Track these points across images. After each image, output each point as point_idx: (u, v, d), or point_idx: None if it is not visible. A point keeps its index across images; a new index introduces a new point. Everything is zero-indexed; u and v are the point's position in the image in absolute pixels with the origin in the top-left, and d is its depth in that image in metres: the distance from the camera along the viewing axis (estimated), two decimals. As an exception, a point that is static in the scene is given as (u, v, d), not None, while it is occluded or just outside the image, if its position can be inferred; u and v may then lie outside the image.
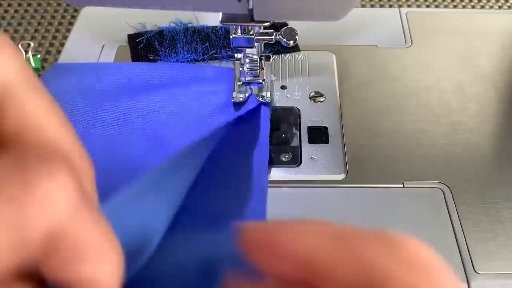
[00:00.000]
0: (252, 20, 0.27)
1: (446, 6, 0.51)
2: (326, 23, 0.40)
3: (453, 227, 0.28)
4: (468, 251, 0.27)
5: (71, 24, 0.49)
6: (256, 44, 0.32)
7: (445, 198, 0.30)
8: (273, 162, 0.31)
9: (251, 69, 0.34)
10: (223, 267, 0.17)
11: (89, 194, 0.15)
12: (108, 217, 0.15)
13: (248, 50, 0.34)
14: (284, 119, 0.34)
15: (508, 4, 0.52)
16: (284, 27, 0.32)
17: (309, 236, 0.15)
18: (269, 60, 0.36)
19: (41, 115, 0.15)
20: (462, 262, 0.27)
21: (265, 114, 0.33)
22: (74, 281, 0.13)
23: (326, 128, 0.33)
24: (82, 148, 0.16)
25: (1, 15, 0.50)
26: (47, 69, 0.37)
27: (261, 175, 0.29)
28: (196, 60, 0.37)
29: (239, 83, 0.35)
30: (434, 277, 0.14)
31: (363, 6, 0.51)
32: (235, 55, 0.37)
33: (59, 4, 0.51)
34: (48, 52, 0.47)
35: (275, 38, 0.31)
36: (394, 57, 0.38)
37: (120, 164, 0.30)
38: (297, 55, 0.38)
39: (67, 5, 0.51)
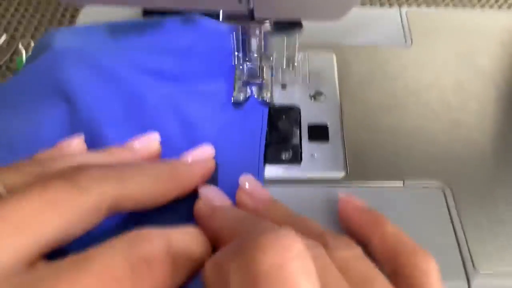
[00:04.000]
0: (253, 19, 0.28)
1: (446, 5, 0.51)
2: (326, 23, 0.40)
3: (453, 226, 0.28)
4: (469, 250, 0.27)
5: (71, 23, 0.49)
6: (255, 44, 0.32)
7: (445, 196, 0.30)
8: (273, 160, 0.31)
9: (251, 69, 0.34)
10: None
11: None
12: None
13: (248, 50, 0.34)
14: (285, 117, 0.34)
15: (508, 3, 0.52)
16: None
17: None
18: (269, 60, 0.36)
19: None
20: (463, 261, 0.27)
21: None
22: None
23: (326, 126, 0.33)
24: None
25: (1, 13, 0.50)
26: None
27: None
28: None
29: (239, 82, 0.35)
30: None
31: (363, 5, 0.51)
32: (235, 54, 0.37)
33: (59, 3, 0.51)
34: (48, 51, 0.47)
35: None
36: (394, 56, 0.39)
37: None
38: (297, 54, 0.38)
39: (67, 4, 0.51)
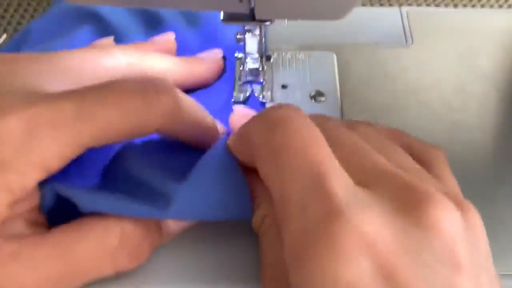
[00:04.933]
0: (253, 19, 0.27)
1: (446, 5, 0.51)
2: (326, 22, 0.40)
3: (454, 226, 0.28)
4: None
5: (71, 23, 0.49)
6: (256, 42, 0.32)
7: (446, 197, 0.30)
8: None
9: (251, 69, 0.34)
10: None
11: None
12: None
13: (248, 49, 0.34)
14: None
15: (509, 3, 0.52)
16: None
17: None
18: (270, 60, 0.36)
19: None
20: (464, 262, 0.27)
21: None
22: None
23: (327, 127, 0.33)
24: None
25: (1, 14, 0.50)
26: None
27: None
28: None
29: (239, 82, 0.35)
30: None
31: (363, 5, 0.51)
32: (236, 54, 0.36)
33: (59, 3, 0.51)
34: (48, 52, 0.46)
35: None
36: (395, 56, 0.38)
37: None
38: (298, 54, 0.38)
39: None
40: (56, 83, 0.23)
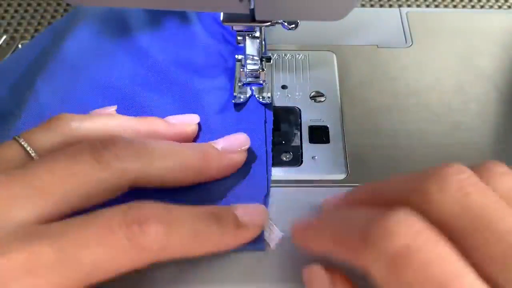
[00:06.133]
0: (253, 19, 0.28)
1: (446, 6, 0.51)
2: (326, 23, 0.40)
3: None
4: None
5: (71, 24, 0.49)
6: (256, 45, 0.32)
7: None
8: (274, 162, 0.31)
9: (252, 70, 0.34)
10: None
11: None
12: None
13: (248, 51, 0.34)
14: (285, 118, 0.34)
15: (508, 4, 0.52)
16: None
17: None
18: (270, 61, 0.36)
19: None
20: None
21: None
22: None
23: (327, 127, 0.33)
24: None
25: (1, 15, 0.50)
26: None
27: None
28: None
29: (239, 84, 0.35)
30: None
31: (362, 6, 0.51)
32: (236, 56, 0.37)
33: (59, 4, 0.51)
34: (48, 52, 0.46)
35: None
36: (394, 57, 0.38)
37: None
38: (297, 55, 0.38)
39: (67, 4, 0.51)
40: (32, 207, 0.20)
